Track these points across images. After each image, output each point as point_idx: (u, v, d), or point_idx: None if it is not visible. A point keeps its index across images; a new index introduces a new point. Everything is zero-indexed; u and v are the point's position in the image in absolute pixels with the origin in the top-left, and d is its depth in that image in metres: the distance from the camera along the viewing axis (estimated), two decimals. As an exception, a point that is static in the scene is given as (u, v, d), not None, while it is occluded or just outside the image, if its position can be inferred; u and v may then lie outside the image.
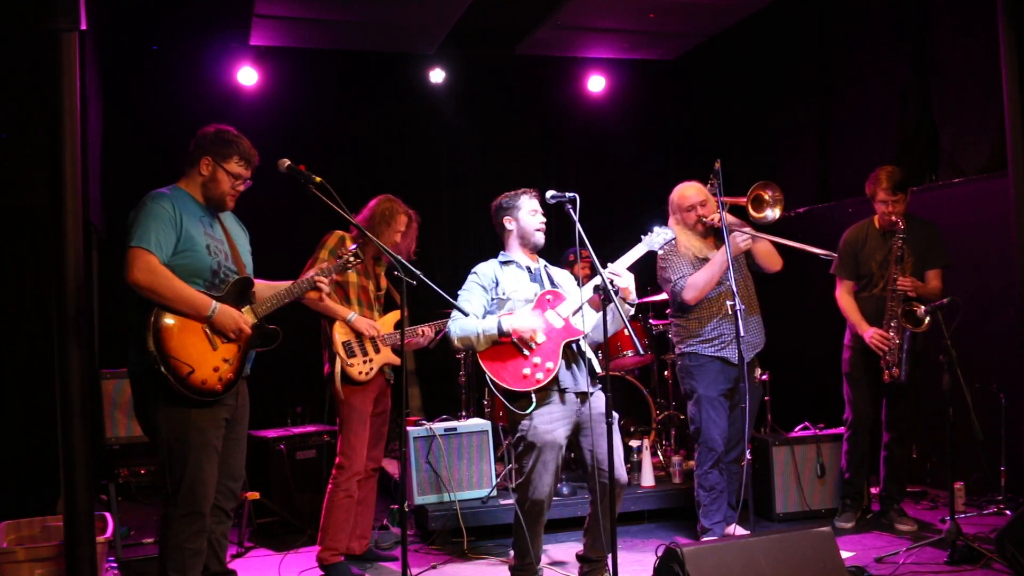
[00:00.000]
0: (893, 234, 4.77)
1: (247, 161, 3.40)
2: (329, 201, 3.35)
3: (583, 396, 3.83)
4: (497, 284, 3.97)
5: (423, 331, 4.56)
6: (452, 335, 3.86)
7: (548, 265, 4.17)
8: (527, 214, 4.03)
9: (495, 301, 3.95)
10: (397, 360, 4.46)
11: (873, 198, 4.85)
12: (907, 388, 4.84)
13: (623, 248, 3.98)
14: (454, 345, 3.89)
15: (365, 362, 4.32)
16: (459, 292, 4.01)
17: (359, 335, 4.33)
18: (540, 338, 3.78)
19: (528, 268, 4.04)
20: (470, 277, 4.04)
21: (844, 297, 4.99)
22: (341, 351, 4.27)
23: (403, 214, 4.47)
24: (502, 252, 4.11)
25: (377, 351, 4.38)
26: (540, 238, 4.03)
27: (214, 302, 3.26)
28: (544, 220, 4.06)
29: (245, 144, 3.41)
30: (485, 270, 4.03)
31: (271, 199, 6.60)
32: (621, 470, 3.73)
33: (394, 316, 4.51)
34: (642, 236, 4.05)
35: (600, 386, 3.86)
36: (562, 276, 4.14)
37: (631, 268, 3.89)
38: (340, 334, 4.30)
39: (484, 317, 3.89)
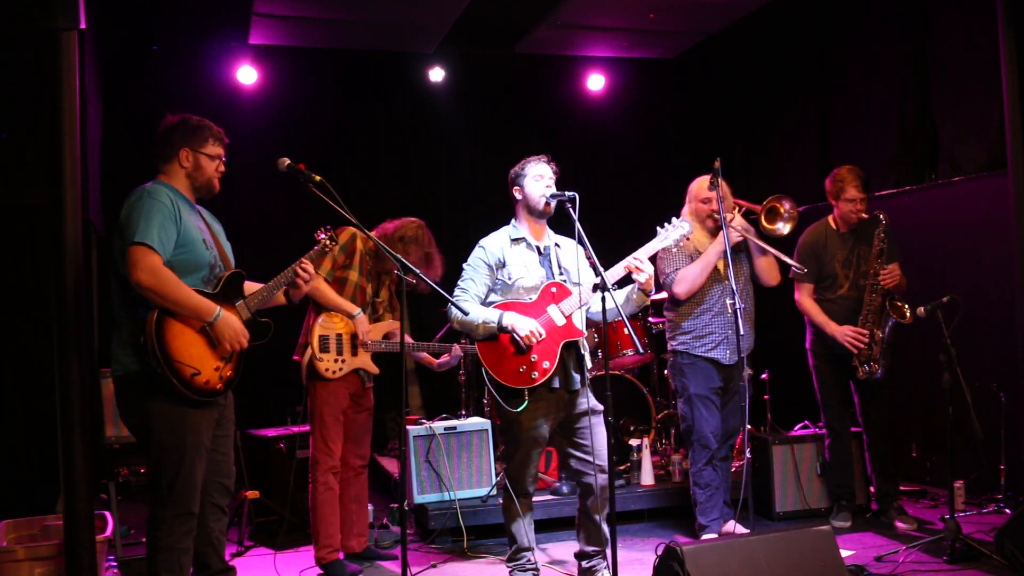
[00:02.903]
0: (853, 233, 4.84)
1: (220, 140, 3.44)
2: (329, 200, 3.36)
3: (573, 393, 3.84)
4: (504, 265, 3.87)
5: (455, 348, 4.60)
6: (453, 316, 3.81)
7: (559, 243, 4.01)
8: (532, 180, 3.87)
9: (499, 283, 3.89)
10: (375, 368, 4.43)
11: (838, 196, 4.87)
12: (881, 385, 4.85)
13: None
14: (453, 326, 3.89)
15: (336, 361, 4.29)
16: (463, 266, 3.95)
17: (339, 334, 4.31)
18: (540, 333, 3.75)
19: (538, 248, 3.93)
20: (476, 252, 3.93)
21: (806, 300, 4.96)
22: (315, 343, 4.24)
23: (419, 248, 4.40)
24: (513, 224, 3.98)
25: (354, 354, 4.35)
26: (542, 203, 3.83)
27: (217, 308, 3.22)
28: (549, 187, 3.86)
29: (212, 125, 3.44)
30: (492, 247, 3.91)
31: (270, 198, 6.68)
32: (605, 463, 3.80)
33: (384, 327, 4.48)
34: (658, 228, 3.92)
35: (588, 384, 3.88)
36: (569, 256, 3.95)
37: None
38: (321, 328, 4.27)
39: (487, 298, 3.88)
